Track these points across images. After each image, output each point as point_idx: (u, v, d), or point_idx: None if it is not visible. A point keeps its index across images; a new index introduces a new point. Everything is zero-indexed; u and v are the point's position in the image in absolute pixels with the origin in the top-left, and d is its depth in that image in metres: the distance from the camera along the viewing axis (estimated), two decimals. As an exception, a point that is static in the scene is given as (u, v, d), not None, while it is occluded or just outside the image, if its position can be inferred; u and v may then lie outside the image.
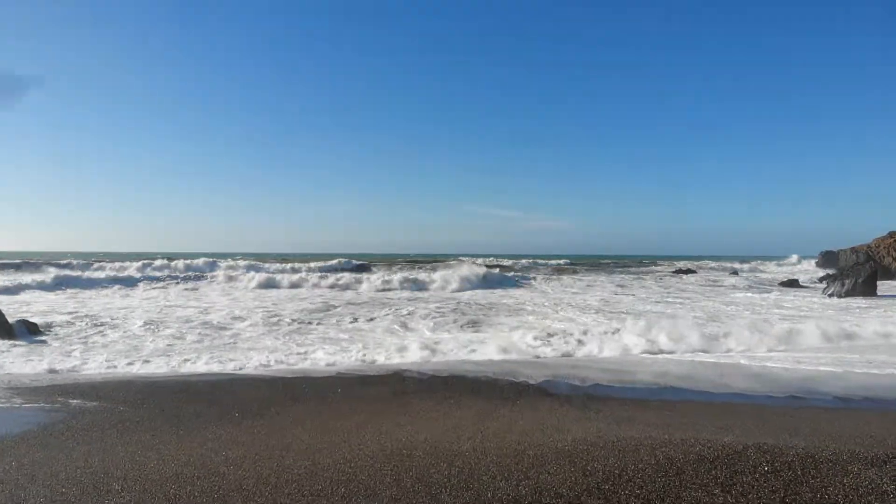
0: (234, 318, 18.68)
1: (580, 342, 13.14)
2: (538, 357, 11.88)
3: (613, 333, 13.85)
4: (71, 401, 7.72)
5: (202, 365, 11.11)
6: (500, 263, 60.23)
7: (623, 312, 20.92)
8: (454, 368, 10.11)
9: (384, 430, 6.06)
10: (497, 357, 11.69)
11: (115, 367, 11.04)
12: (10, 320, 15.13)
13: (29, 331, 15.15)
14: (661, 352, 12.19)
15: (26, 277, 31.14)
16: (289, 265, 45.11)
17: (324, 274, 39.36)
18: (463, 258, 71.39)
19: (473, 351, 12.34)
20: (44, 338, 14.75)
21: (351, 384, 8.71)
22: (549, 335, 14.44)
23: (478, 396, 7.71)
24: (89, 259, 53.04)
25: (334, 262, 50.80)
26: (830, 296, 29.75)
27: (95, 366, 11.09)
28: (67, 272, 34.14)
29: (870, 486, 4.01)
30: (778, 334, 13.87)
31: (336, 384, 8.71)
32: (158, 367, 10.95)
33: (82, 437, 5.94)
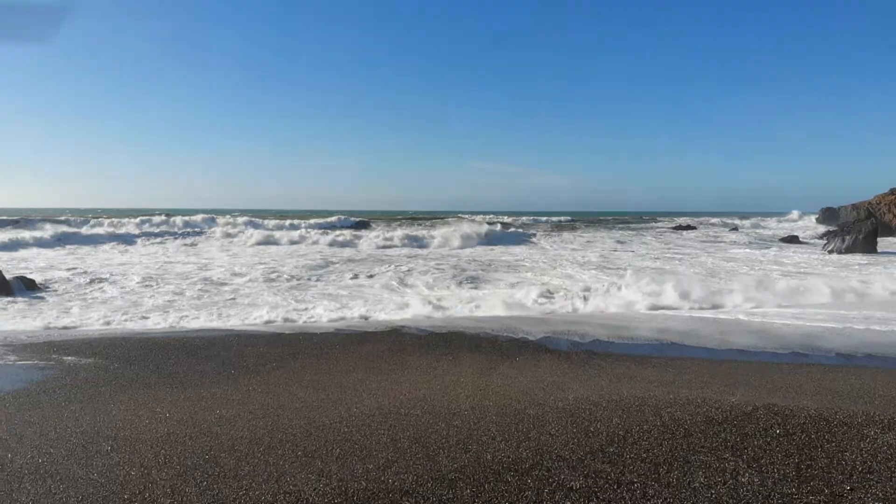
0: (234, 275, 18.52)
1: (582, 298, 12.99)
2: (538, 313, 11.73)
3: (618, 290, 13.62)
4: (65, 358, 7.57)
5: (202, 321, 10.98)
6: (501, 220, 59.71)
7: (622, 269, 20.73)
8: (453, 325, 9.95)
9: (382, 387, 5.90)
10: (496, 313, 11.56)
11: (112, 323, 10.92)
12: (8, 276, 14.96)
13: (27, 287, 15.00)
14: (660, 307, 12.03)
15: (24, 234, 30.85)
16: (287, 222, 44.83)
17: (323, 231, 39.15)
18: (463, 215, 70.98)
19: (477, 307, 12.20)
20: (42, 294, 14.61)
21: (350, 341, 8.54)
22: (550, 292, 14.29)
23: (477, 353, 7.56)
24: (86, 215, 52.67)
25: (333, 218, 50.49)
26: (830, 252, 29.57)
27: (92, 322, 10.97)
28: (65, 228, 33.84)
29: (889, 452, 3.84)
30: (779, 290, 13.74)
31: (335, 341, 8.55)
32: (156, 324, 10.83)
33: (74, 396, 5.78)
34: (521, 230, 44.49)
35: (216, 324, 10.72)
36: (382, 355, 7.46)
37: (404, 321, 10.53)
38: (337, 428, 4.62)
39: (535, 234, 40.73)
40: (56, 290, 15.17)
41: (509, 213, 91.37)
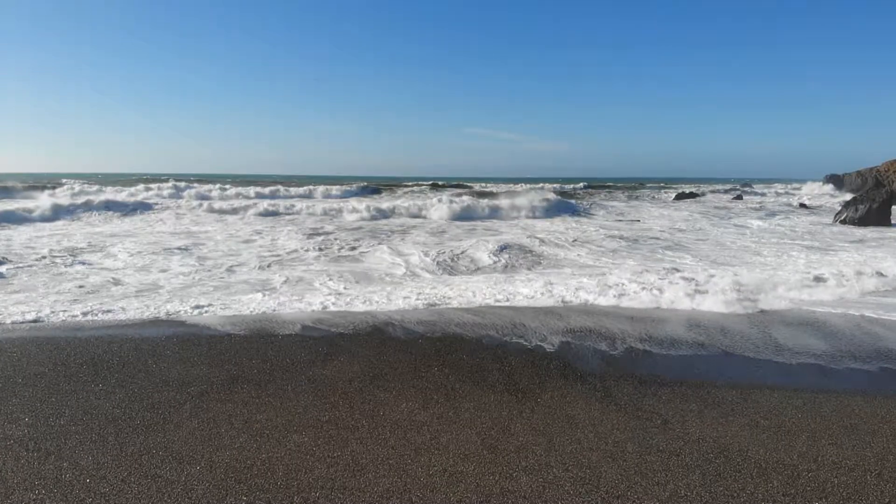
0: (230, 251, 16.22)
1: (620, 291, 10.57)
2: (543, 302, 9.35)
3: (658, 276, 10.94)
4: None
5: (160, 309, 8.64)
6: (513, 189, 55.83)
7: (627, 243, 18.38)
8: (447, 320, 7.66)
9: (329, 477, 3.54)
10: (494, 303, 9.22)
11: (47, 314, 8.61)
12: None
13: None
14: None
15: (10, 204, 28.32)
16: (283, 187, 42.35)
17: (326, 199, 36.73)
18: (470, 183, 67.90)
19: (478, 295, 9.86)
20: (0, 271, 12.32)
21: (315, 353, 6.17)
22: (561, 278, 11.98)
23: (482, 386, 5.19)
24: (50, 181, 49.39)
25: (351, 186, 47.65)
26: (842, 222, 27.19)
27: (31, 311, 8.64)
28: (55, 200, 31.35)
29: None
30: (806, 269, 11.43)
31: (295, 353, 6.18)
32: (95, 314, 8.42)
33: None
34: (568, 200, 37.19)
35: (166, 312, 8.36)
36: (350, 388, 5.07)
37: (390, 312, 8.26)
38: None
39: (579, 203, 35.77)
40: (16, 269, 12.84)
41: (513, 181, 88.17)
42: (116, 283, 11.18)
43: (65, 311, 8.56)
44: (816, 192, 49.69)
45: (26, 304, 9.05)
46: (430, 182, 66.26)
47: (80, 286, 10.78)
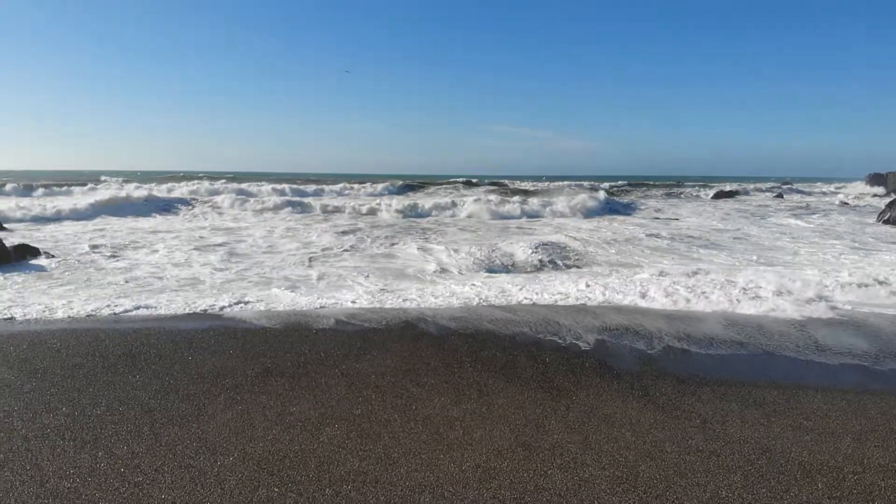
0: (258, 248, 16.38)
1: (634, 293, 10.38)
2: (577, 300, 9.18)
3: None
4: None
5: (200, 304, 8.72)
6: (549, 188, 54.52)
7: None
8: (480, 317, 7.59)
9: (360, 471, 3.49)
10: (528, 301, 9.09)
11: (90, 307, 8.78)
12: (8, 244, 13.04)
13: (22, 257, 13.01)
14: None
15: (55, 201, 29.06)
16: (318, 185, 42.59)
17: (361, 197, 36.80)
18: (502, 181, 67.12)
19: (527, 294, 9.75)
20: (41, 263, 12.61)
21: (350, 347, 6.17)
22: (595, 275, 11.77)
23: (515, 383, 5.10)
24: (89, 178, 50.23)
25: (385, 184, 47.66)
26: (886, 222, 26.35)
27: (64, 307, 8.82)
28: (98, 197, 32.08)
29: None
30: (850, 270, 11.03)
31: (329, 346, 6.18)
32: (136, 308, 8.58)
33: None
34: (605, 197, 34.67)
35: (203, 306, 8.44)
36: (382, 383, 5.05)
37: (422, 308, 8.22)
38: None
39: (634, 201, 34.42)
40: (59, 263, 13.12)
41: (546, 178, 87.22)
42: (157, 277, 11.36)
43: (106, 305, 8.71)
44: (860, 191, 48.10)
45: (68, 298, 9.23)
46: (464, 179, 65.62)
47: (123, 280, 10.98)
